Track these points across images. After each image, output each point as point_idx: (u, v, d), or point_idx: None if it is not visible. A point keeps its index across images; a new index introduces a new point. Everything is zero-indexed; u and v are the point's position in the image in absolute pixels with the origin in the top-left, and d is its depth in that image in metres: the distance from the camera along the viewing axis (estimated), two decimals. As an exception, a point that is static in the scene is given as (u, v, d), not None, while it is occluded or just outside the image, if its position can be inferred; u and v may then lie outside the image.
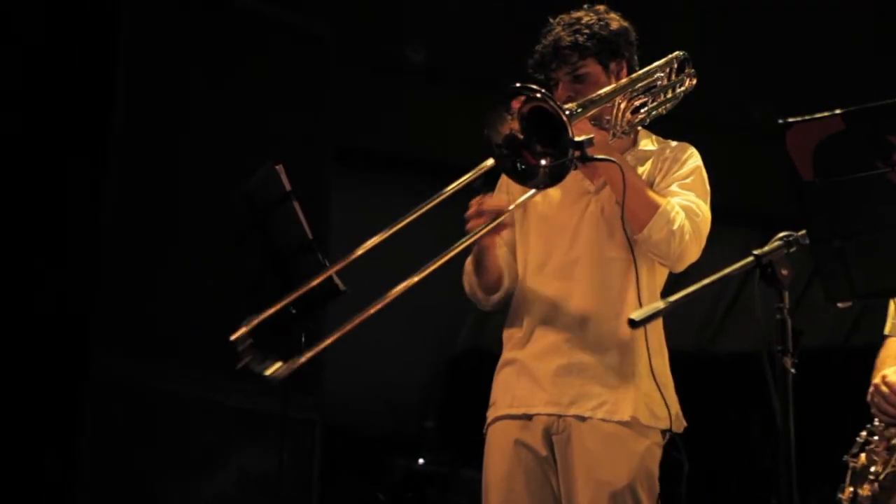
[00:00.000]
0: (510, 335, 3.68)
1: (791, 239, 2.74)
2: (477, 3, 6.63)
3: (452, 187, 3.40)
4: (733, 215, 7.62)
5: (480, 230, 3.46)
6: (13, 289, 4.71)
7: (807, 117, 2.70)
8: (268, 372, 3.11)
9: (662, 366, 3.57)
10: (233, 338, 3.13)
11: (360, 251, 3.28)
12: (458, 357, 7.74)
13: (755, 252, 2.74)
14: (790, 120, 2.71)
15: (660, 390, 3.50)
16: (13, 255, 4.75)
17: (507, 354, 3.68)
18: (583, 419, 3.51)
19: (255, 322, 3.14)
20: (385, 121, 6.98)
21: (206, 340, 4.83)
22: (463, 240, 3.43)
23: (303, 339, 3.56)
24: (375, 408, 7.87)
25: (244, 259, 3.54)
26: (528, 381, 3.58)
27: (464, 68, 6.63)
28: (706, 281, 2.72)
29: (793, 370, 2.65)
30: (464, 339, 7.84)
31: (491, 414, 3.66)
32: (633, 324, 2.73)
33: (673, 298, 2.70)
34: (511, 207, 3.52)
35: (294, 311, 3.40)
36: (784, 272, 2.72)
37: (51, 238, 4.79)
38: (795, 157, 2.70)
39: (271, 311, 3.19)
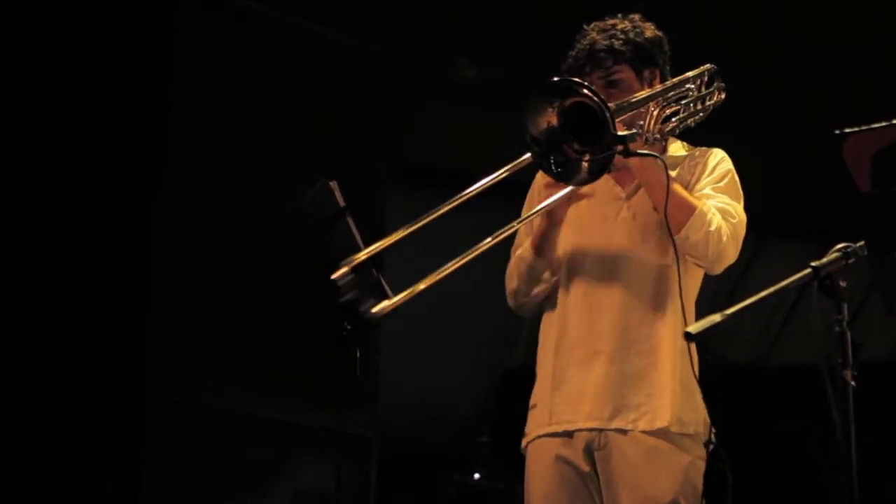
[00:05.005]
0: (545, 346, 3.66)
1: (849, 250, 2.72)
2: (526, 20, 6.63)
3: (491, 179, 3.39)
4: (790, 227, 7.58)
5: (557, 198, 3.43)
6: (67, 309, 4.75)
7: (864, 127, 2.68)
8: (374, 310, 3.12)
9: (691, 372, 3.53)
10: (334, 276, 3.15)
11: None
12: (512, 371, 7.73)
13: (813, 264, 2.72)
14: (847, 130, 2.69)
15: (689, 397, 3.48)
16: (67, 277, 4.78)
17: (543, 368, 3.66)
18: (624, 432, 3.48)
19: (358, 260, 3.18)
20: (437, 137, 7.00)
21: (261, 359, 4.86)
22: (542, 205, 3.43)
23: (358, 355, 3.56)
24: (430, 423, 7.86)
25: (299, 276, 3.54)
26: (566, 396, 3.56)
27: (516, 85, 6.63)
28: (764, 293, 2.71)
29: (853, 383, 2.63)
30: (518, 353, 7.83)
31: (530, 431, 3.64)
32: (690, 337, 2.72)
33: (730, 311, 2.68)
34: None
35: (349, 327, 3.40)
36: (843, 284, 2.70)
37: (105, 259, 4.83)
38: (853, 168, 2.68)
39: (375, 247, 3.22)
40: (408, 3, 6.37)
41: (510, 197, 3.55)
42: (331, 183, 3.60)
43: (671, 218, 3.41)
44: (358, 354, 3.57)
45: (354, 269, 3.17)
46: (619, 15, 3.66)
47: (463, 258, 3.27)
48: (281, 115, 5.17)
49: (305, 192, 3.70)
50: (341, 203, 3.56)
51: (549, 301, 3.68)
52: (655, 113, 3.50)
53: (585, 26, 3.65)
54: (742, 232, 3.54)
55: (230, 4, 5.09)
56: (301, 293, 3.98)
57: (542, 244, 3.61)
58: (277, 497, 4.88)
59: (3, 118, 4.83)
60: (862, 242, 2.72)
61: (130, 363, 4.69)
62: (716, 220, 3.44)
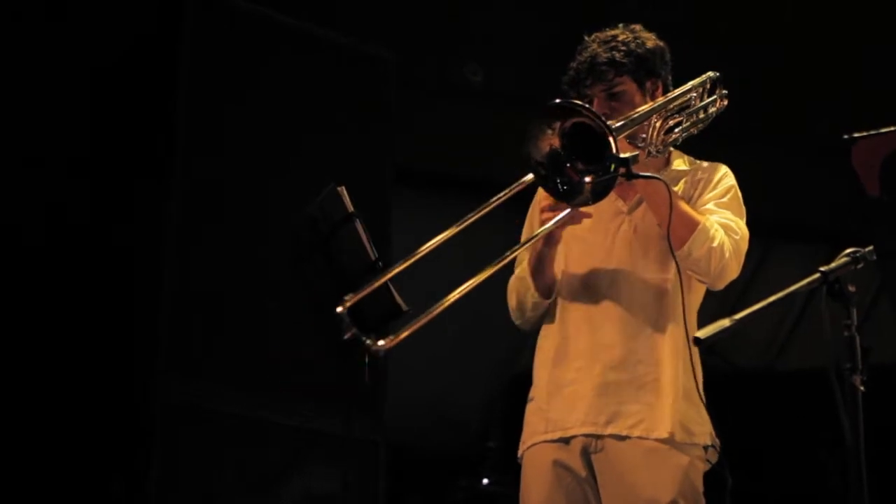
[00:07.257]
0: (543, 357, 3.66)
1: (858, 255, 2.72)
2: (533, 24, 6.63)
3: (495, 200, 3.38)
4: (798, 230, 7.57)
5: (557, 221, 3.40)
6: (79, 313, 4.76)
7: (872, 132, 2.68)
8: (379, 344, 3.11)
9: (695, 385, 3.51)
10: (338, 310, 3.14)
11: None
12: (520, 376, 7.72)
13: (821, 268, 2.71)
14: (856, 135, 2.69)
15: (694, 408, 3.47)
16: (78, 280, 4.79)
17: (540, 376, 3.66)
18: (621, 438, 3.47)
19: (355, 299, 3.19)
20: (443, 141, 7.00)
21: (269, 363, 4.86)
22: (543, 229, 3.41)
23: (366, 360, 3.56)
24: (438, 428, 7.86)
25: (307, 281, 3.55)
26: (562, 402, 3.55)
27: (524, 89, 6.65)
28: (772, 298, 2.71)
29: (862, 388, 2.63)
30: (526, 358, 7.82)
31: (526, 440, 3.62)
32: (699, 342, 2.71)
33: (739, 316, 2.68)
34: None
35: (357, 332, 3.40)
36: (851, 288, 2.70)
37: (115, 263, 4.83)
38: (861, 172, 2.68)
39: (370, 288, 3.26)
40: (415, 8, 6.37)
41: (510, 202, 3.53)
42: (339, 188, 3.61)
43: (674, 234, 3.38)
44: (366, 359, 3.58)
45: (350, 310, 3.18)
46: (620, 25, 3.63)
47: (462, 290, 3.23)
48: (289, 118, 5.18)
49: (314, 195, 3.71)
50: (350, 208, 3.57)
51: (548, 313, 3.67)
52: (658, 125, 3.49)
53: (586, 37, 3.62)
54: (745, 248, 3.52)
55: (239, 7, 5.10)
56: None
57: (539, 265, 3.61)
58: (285, 501, 4.88)
59: (13, 120, 4.84)
60: (871, 247, 2.72)
61: (138, 366, 4.70)
62: (718, 236, 3.42)
